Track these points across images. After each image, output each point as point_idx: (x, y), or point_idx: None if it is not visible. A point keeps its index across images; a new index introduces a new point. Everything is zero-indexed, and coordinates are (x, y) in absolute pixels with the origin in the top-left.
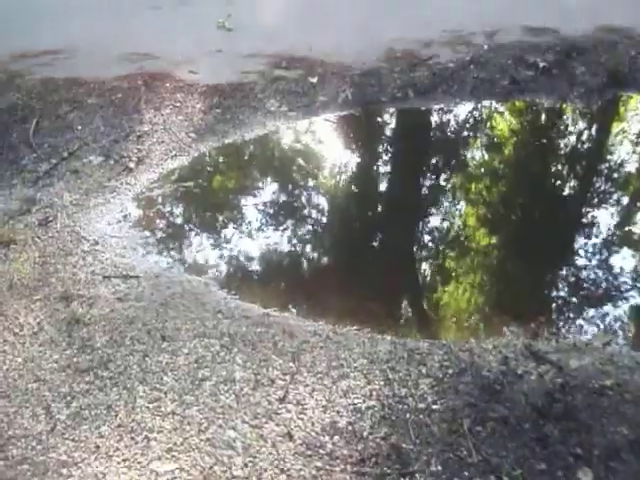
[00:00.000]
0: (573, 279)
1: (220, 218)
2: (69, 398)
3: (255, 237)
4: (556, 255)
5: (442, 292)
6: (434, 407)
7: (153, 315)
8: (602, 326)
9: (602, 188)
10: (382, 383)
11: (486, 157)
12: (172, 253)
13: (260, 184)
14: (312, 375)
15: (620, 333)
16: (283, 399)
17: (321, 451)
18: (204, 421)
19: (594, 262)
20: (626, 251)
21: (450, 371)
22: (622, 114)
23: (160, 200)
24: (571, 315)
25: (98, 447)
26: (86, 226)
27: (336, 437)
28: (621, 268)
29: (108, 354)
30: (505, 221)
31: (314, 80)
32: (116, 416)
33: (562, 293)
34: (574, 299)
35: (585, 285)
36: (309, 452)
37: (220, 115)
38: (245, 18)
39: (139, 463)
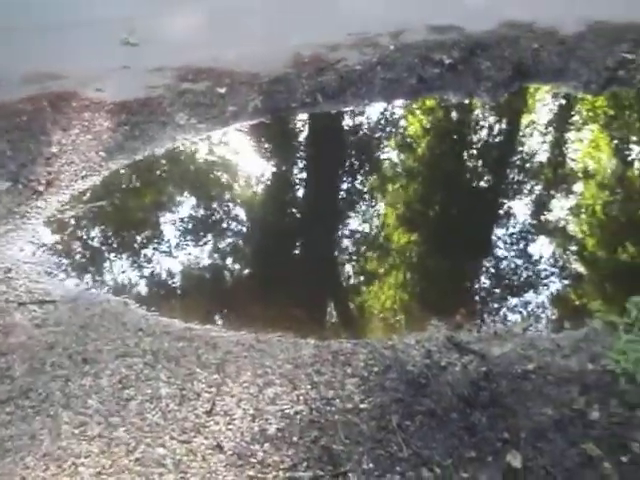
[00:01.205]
0: (491, 270)
1: (135, 236)
2: None
3: (172, 252)
4: (473, 248)
5: (364, 292)
6: (362, 406)
7: (73, 339)
8: (521, 313)
9: (515, 179)
10: (308, 387)
11: (399, 156)
12: (89, 275)
13: (173, 199)
14: (238, 385)
15: (539, 318)
16: (210, 411)
17: (252, 460)
18: (132, 441)
19: (509, 253)
20: (539, 240)
21: (375, 369)
22: (529, 105)
23: (73, 222)
24: (490, 305)
25: (24, 479)
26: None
27: (267, 444)
28: (535, 257)
29: (28, 382)
30: (422, 218)
31: (222, 91)
32: (41, 445)
33: (481, 284)
34: (492, 289)
35: (502, 275)
36: (240, 462)
37: (129, 132)
38: (149, 33)
39: None
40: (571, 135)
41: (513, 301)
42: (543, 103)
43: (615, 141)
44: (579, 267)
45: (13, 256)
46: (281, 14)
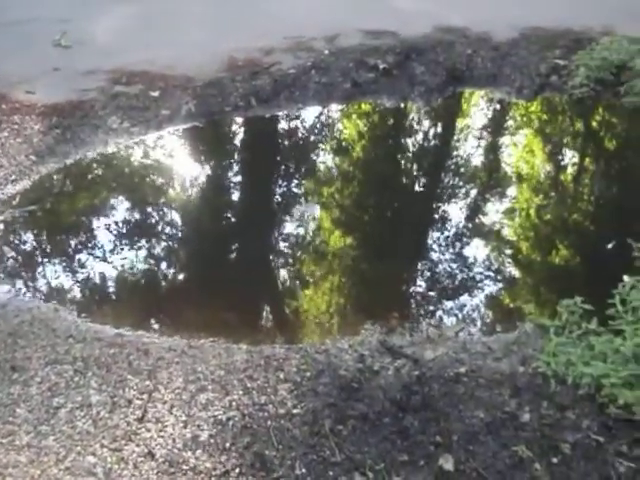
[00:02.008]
0: (424, 274)
1: (65, 241)
2: None
3: (103, 258)
4: (406, 252)
5: (297, 297)
6: (294, 411)
7: (1, 346)
8: (454, 316)
9: (447, 184)
10: (241, 393)
11: (332, 160)
12: (19, 281)
13: (105, 204)
14: (170, 391)
15: (471, 322)
16: (142, 419)
17: (184, 467)
18: (62, 450)
19: (442, 256)
20: (472, 244)
21: (308, 374)
22: (463, 110)
23: (1, 227)
24: (424, 308)
25: None
26: None
27: (199, 451)
28: (468, 260)
29: None
30: (356, 222)
31: (155, 94)
32: None
33: (415, 288)
34: (426, 293)
35: (436, 278)
36: (172, 469)
37: (60, 135)
38: (82, 35)
39: None
40: (504, 140)
41: (447, 304)
42: (477, 108)
43: (548, 146)
44: (512, 270)
45: None
46: (216, 18)
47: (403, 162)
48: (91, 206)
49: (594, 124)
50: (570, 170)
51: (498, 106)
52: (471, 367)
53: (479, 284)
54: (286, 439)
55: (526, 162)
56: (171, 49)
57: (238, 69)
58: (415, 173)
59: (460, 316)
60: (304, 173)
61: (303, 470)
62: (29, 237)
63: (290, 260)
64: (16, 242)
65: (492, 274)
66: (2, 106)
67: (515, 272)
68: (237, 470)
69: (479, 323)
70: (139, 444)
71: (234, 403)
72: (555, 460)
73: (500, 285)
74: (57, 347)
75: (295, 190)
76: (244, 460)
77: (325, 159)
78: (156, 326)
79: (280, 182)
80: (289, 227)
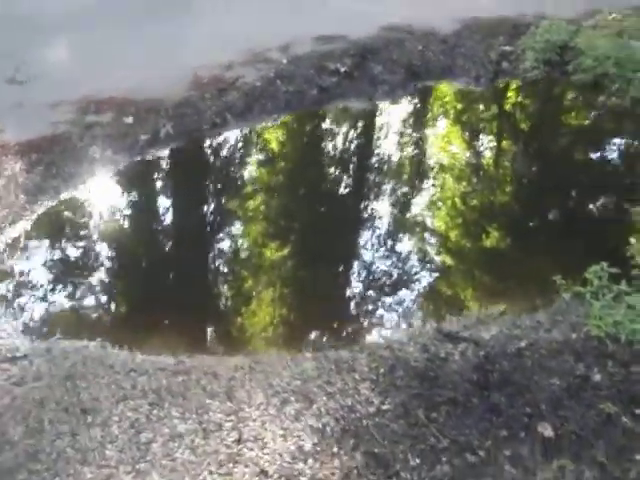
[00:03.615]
0: (457, 259)
1: (87, 277)
2: None
3: (135, 290)
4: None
5: (333, 299)
6: (384, 407)
7: (63, 391)
8: (491, 297)
9: (444, 176)
10: (325, 399)
11: (328, 164)
12: (55, 323)
13: (117, 236)
14: (255, 409)
15: (509, 300)
16: (240, 440)
17: (302, 478)
18: None
19: (467, 245)
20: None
21: (382, 370)
22: (431, 104)
23: (16, 271)
24: (463, 294)
25: None
26: None
27: (310, 461)
28: (497, 244)
29: (32, 445)
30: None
31: (129, 120)
32: None
33: (450, 275)
34: (466, 278)
35: (473, 266)
36: None
37: (45, 171)
38: (33, 68)
39: None
40: (481, 128)
41: (482, 286)
42: (442, 101)
43: (525, 130)
44: (533, 246)
45: None
46: (167, 37)
47: (390, 160)
48: (100, 238)
49: (557, 103)
50: (559, 142)
51: (461, 96)
52: (528, 341)
53: (507, 265)
54: (388, 435)
55: (509, 150)
56: (129, 73)
57: (204, 87)
58: (402, 170)
59: (496, 296)
60: (304, 179)
61: (417, 461)
62: (47, 280)
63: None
64: (39, 285)
65: (516, 252)
66: None
67: (536, 247)
68: (355, 472)
69: (517, 300)
70: (247, 464)
71: (322, 409)
72: (638, 411)
73: (527, 261)
74: (122, 383)
75: (311, 198)
76: (356, 462)
77: (320, 164)
78: (211, 348)
79: (285, 191)
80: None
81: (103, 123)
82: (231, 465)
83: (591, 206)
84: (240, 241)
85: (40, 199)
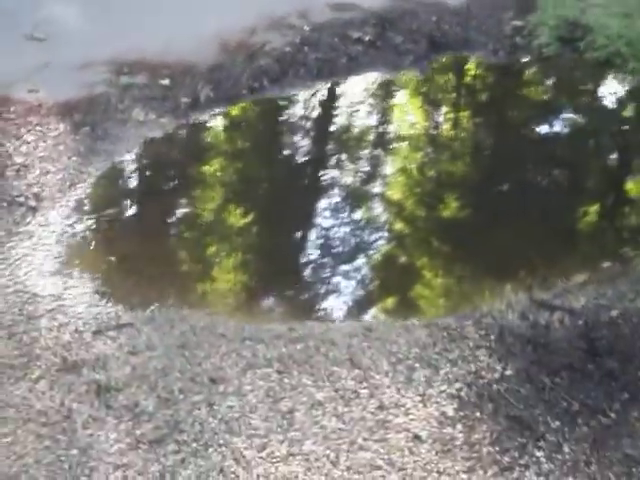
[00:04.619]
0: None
1: (165, 241)
2: (169, 475)
3: (222, 250)
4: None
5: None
6: (507, 373)
7: (182, 360)
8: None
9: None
10: (448, 365)
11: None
12: (150, 289)
13: (186, 197)
14: (383, 375)
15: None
16: (382, 406)
17: (456, 442)
18: (328, 452)
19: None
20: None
21: (492, 337)
22: (461, 75)
23: (91, 236)
24: (546, 263)
25: None
26: (29, 282)
27: (458, 425)
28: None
29: (169, 415)
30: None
31: (166, 82)
32: (236, 476)
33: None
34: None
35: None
36: (447, 447)
37: (92, 132)
38: (54, 27)
39: None
40: (512, 100)
41: (558, 257)
42: (474, 73)
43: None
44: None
45: (50, 281)
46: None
47: (430, 130)
48: (172, 202)
49: (579, 80)
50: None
51: (486, 69)
52: (618, 310)
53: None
54: (521, 399)
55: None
56: (152, 35)
57: (234, 52)
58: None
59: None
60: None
61: (557, 423)
62: (121, 244)
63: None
64: (114, 249)
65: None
66: (10, 108)
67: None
68: (504, 435)
69: (592, 271)
70: (398, 430)
71: (450, 376)
72: None
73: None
74: (241, 352)
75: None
76: (502, 426)
77: (363, 133)
78: (314, 314)
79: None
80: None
81: (139, 85)
82: (382, 431)
83: None
84: (327, 210)
85: (93, 161)
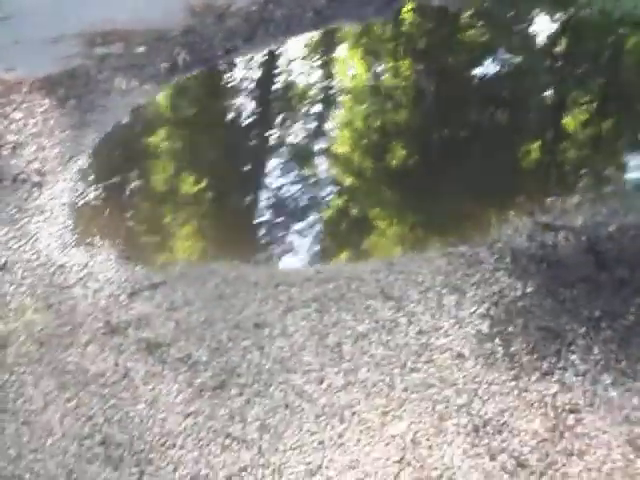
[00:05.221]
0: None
1: (175, 202)
2: (238, 416)
3: (233, 205)
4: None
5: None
6: (528, 290)
7: (221, 310)
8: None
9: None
10: (473, 288)
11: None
12: (172, 248)
13: (186, 157)
14: (415, 304)
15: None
16: (422, 331)
17: (497, 355)
18: (383, 376)
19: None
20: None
21: (507, 259)
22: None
23: (102, 203)
24: (543, 189)
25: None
26: (53, 254)
27: (496, 340)
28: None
29: (224, 362)
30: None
31: (142, 50)
32: (303, 411)
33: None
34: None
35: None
36: (490, 360)
37: (78, 105)
38: (14, 4)
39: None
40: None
41: (552, 182)
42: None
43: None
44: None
45: (72, 252)
46: None
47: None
48: (177, 167)
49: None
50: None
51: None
52: (616, 225)
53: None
54: (547, 311)
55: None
56: (118, 5)
57: (202, 14)
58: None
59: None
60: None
61: (583, 329)
62: (134, 208)
63: None
64: (127, 215)
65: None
66: None
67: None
68: (541, 344)
69: (586, 190)
70: (442, 351)
71: (477, 298)
72: None
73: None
74: (278, 297)
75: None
76: (534, 336)
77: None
78: (333, 257)
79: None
80: None
81: (115, 54)
82: (428, 353)
83: None
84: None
85: (87, 133)
